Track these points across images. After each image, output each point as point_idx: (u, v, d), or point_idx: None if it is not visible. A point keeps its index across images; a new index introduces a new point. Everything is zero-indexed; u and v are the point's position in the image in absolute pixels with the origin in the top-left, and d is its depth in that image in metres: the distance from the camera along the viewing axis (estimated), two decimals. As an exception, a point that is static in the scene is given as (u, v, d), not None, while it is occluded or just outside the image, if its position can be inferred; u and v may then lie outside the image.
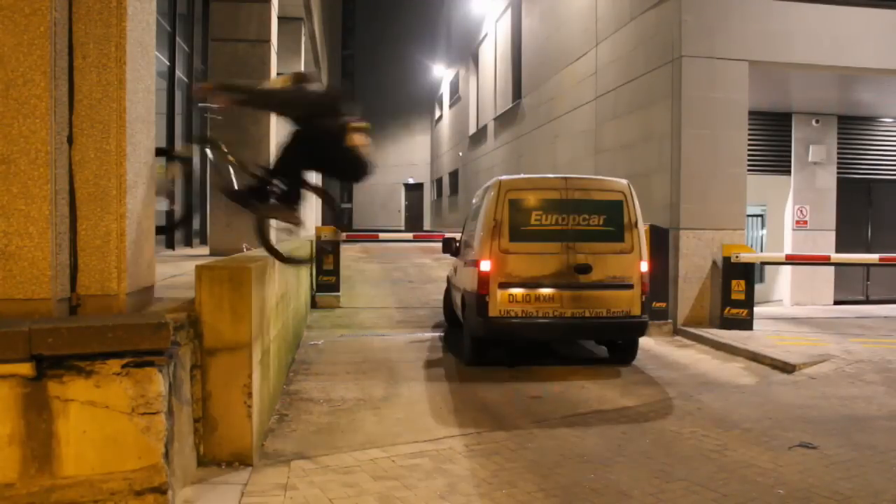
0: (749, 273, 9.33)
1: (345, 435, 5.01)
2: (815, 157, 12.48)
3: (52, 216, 3.64)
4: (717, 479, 4.24)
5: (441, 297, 10.42)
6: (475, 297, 7.07)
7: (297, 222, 4.95)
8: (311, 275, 11.28)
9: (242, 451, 4.17)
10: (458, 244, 8.72)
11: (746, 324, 9.27)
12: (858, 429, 5.30)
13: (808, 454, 4.73)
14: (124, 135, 3.86)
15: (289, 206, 4.88)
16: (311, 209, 21.38)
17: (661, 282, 9.31)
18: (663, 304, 9.47)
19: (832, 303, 12.66)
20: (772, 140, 12.46)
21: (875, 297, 13.06)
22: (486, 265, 6.99)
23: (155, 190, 4.46)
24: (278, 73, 11.14)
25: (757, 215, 13.19)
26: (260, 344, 4.51)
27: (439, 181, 36.42)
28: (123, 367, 3.31)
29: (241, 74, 9.29)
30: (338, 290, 11.49)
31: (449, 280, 9.60)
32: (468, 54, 28.21)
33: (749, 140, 10.36)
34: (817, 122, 12.55)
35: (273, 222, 5.36)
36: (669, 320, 9.53)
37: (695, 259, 9.62)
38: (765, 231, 13.34)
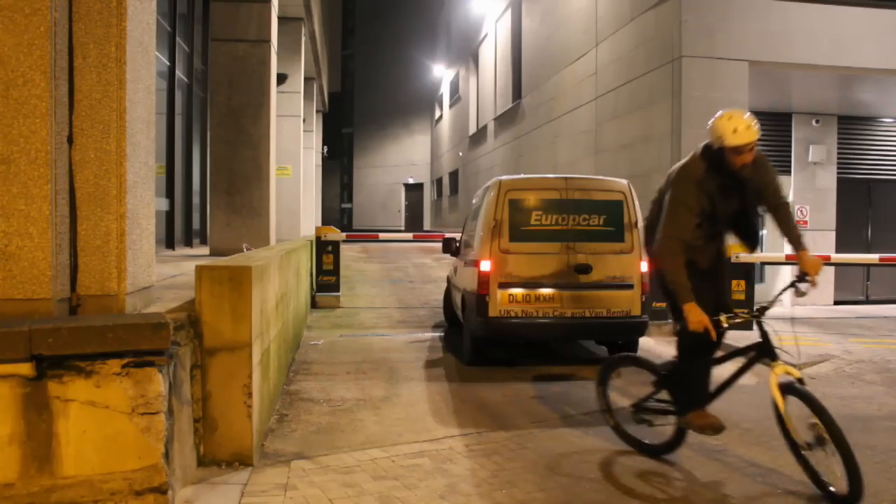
0: (749, 273, 9.32)
1: (345, 435, 5.00)
2: (815, 157, 12.48)
3: (52, 216, 3.64)
4: (718, 479, 4.24)
5: (441, 297, 10.42)
6: (475, 297, 7.07)
7: None
8: (311, 275, 11.28)
9: (242, 451, 4.16)
10: (458, 244, 8.71)
11: (746, 324, 9.24)
12: (858, 429, 5.29)
13: (808, 454, 4.71)
14: (124, 135, 3.86)
15: None
16: (311, 209, 21.36)
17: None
18: (663, 304, 9.44)
19: (832, 303, 12.66)
20: (772, 140, 12.46)
21: (875, 297, 13.06)
22: (486, 265, 6.99)
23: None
24: (279, 74, 11.14)
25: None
26: (260, 344, 4.51)
27: (439, 181, 36.43)
28: (123, 367, 3.31)
29: (240, 74, 9.30)
30: (338, 291, 11.48)
31: (449, 280, 9.60)
32: (468, 54, 28.21)
33: (749, 140, 10.34)
34: (817, 122, 12.55)
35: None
36: (669, 320, 9.51)
37: (695, 259, 9.60)
38: (765, 231, 13.33)
